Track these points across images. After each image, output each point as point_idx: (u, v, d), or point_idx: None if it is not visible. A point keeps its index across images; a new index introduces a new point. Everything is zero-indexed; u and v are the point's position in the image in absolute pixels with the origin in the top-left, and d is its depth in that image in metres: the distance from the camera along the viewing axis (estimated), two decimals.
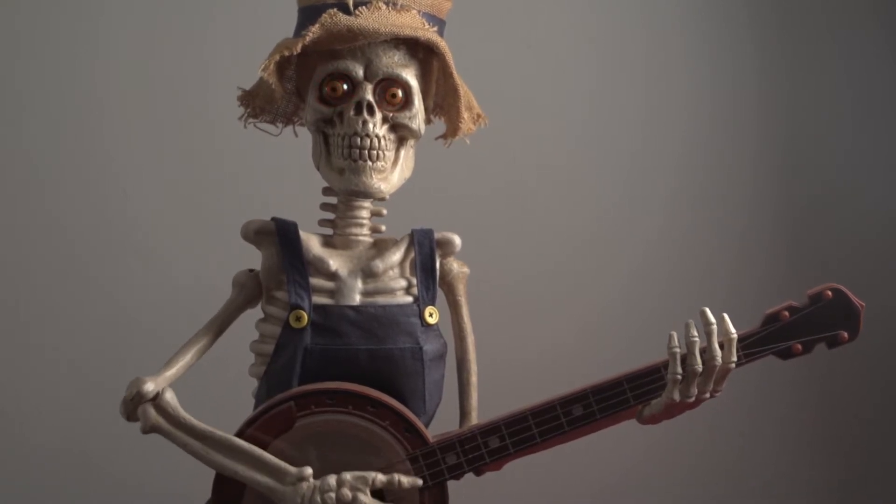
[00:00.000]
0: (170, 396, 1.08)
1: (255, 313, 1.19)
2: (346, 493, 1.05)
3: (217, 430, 1.08)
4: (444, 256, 1.21)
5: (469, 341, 1.21)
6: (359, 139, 1.12)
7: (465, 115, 1.19)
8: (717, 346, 1.07)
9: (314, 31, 1.10)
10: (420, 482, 1.09)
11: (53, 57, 1.94)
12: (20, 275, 1.92)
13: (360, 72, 1.13)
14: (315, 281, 1.14)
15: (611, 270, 2.15)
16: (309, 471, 1.06)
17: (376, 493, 1.08)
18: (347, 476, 1.06)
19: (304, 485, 1.06)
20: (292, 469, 1.06)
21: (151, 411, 1.08)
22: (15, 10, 1.92)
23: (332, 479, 1.06)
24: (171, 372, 1.11)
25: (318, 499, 1.05)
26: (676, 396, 1.07)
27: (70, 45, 1.94)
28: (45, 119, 1.93)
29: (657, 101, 2.19)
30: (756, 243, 2.21)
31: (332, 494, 1.05)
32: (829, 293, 1.12)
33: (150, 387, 1.08)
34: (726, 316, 1.08)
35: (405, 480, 1.08)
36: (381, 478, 1.07)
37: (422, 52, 1.17)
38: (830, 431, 2.22)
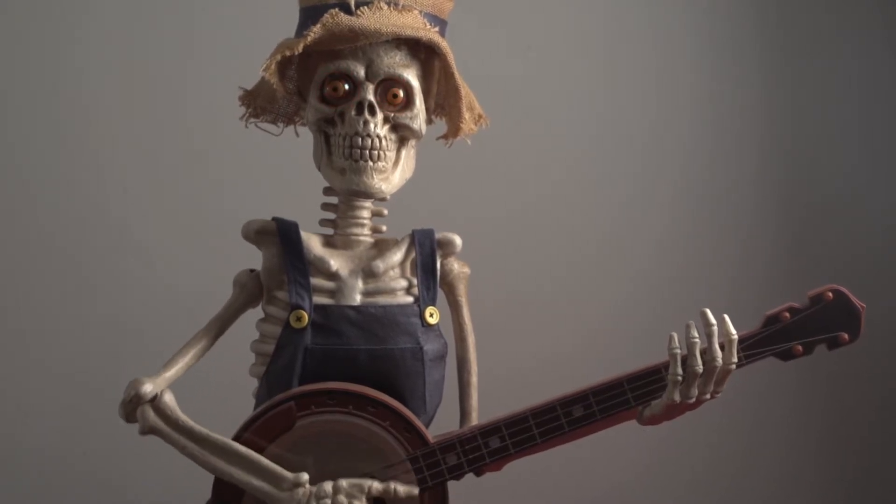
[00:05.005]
0: (168, 398, 1.08)
1: (255, 313, 1.19)
2: (342, 500, 1.05)
3: (215, 433, 1.08)
4: (444, 256, 1.21)
5: (469, 341, 1.21)
6: (360, 139, 1.13)
7: (467, 115, 1.19)
8: (717, 347, 1.07)
9: (316, 31, 1.10)
10: (416, 491, 1.09)
11: (53, 57, 1.94)
12: (19, 275, 1.92)
13: (362, 72, 1.14)
14: (316, 281, 1.14)
15: (612, 272, 2.15)
16: (305, 477, 1.06)
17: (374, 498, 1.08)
18: (343, 483, 1.06)
19: (300, 490, 1.05)
20: (289, 475, 1.06)
21: (150, 413, 1.08)
22: (15, 8, 1.92)
23: (328, 486, 1.06)
24: (171, 373, 1.11)
25: None
26: (677, 397, 1.07)
27: (70, 45, 1.94)
28: (44, 118, 1.93)
29: (660, 104, 2.19)
30: (759, 246, 2.21)
31: (328, 501, 1.05)
32: (830, 294, 1.12)
33: (148, 388, 1.08)
34: (727, 317, 1.08)
35: (401, 489, 1.08)
36: (377, 486, 1.07)
37: (423, 52, 1.17)
38: (835, 433, 2.22)
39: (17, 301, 1.92)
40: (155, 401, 1.08)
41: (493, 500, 1.64)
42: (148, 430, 1.08)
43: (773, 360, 1.12)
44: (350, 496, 1.06)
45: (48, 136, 1.93)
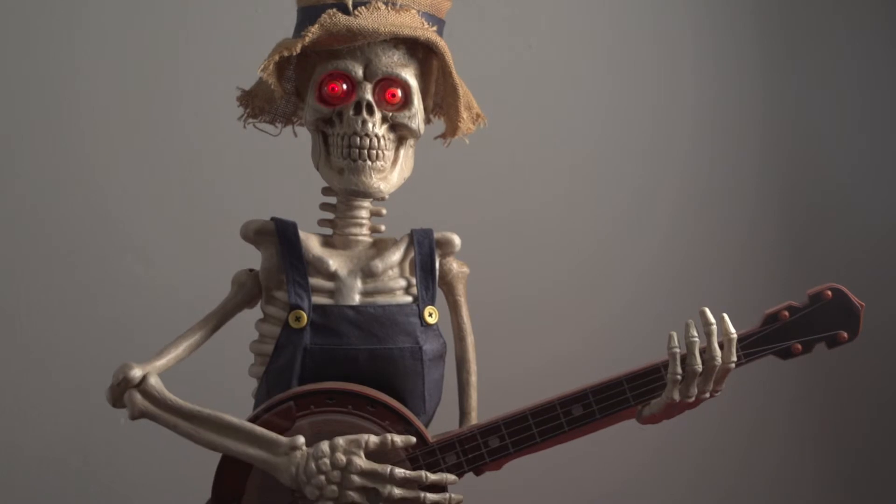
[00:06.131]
0: (154, 380, 1.08)
1: (255, 313, 1.19)
2: (340, 457, 1.05)
3: (205, 408, 1.08)
4: (443, 256, 1.21)
5: (469, 341, 1.21)
6: (358, 139, 1.13)
7: (465, 114, 1.19)
8: (716, 345, 1.07)
9: (313, 32, 1.10)
10: (413, 440, 1.09)
11: (52, 57, 1.94)
12: (18, 276, 1.92)
13: (360, 71, 1.14)
14: (315, 281, 1.14)
15: (612, 271, 2.15)
16: (301, 439, 1.06)
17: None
18: (340, 441, 1.06)
19: (298, 453, 1.06)
20: (284, 439, 1.06)
21: (138, 396, 1.08)
22: (13, 9, 1.92)
23: (324, 445, 1.06)
24: (161, 362, 1.11)
25: (313, 465, 1.05)
26: (676, 396, 1.07)
27: (69, 45, 1.94)
28: (43, 118, 1.93)
29: (661, 104, 2.18)
30: (759, 245, 2.20)
31: (327, 460, 1.05)
32: (829, 293, 1.12)
33: (137, 373, 1.08)
34: (726, 316, 1.08)
35: (398, 440, 1.08)
36: (373, 439, 1.07)
37: (421, 51, 1.17)
38: (835, 432, 2.21)
39: (16, 302, 1.92)
40: (141, 385, 1.08)
41: (493, 500, 1.64)
42: (138, 414, 1.08)
43: (772, 358, 1.12)
44: (348, 452, 1.06)
45: (47, 136, 1.93)
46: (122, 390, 1.08)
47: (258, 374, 1.16)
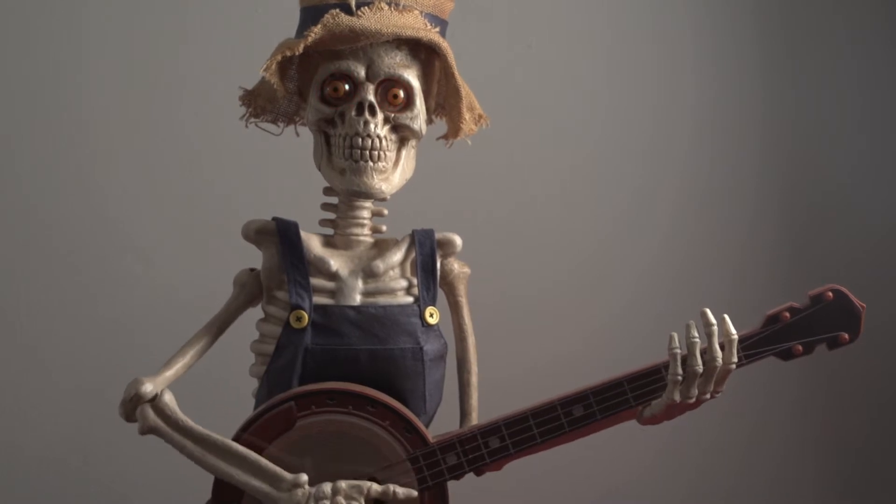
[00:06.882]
0: (168, 398, 1.08)
1: (255, 313, 1.19)
2: (341, 501, 1.05)
3: (214, 433, 1.08)
4: (444, 257, 1.21)
5: (469, 342, 1.21)
6: (360, 139, 1.13)
7: (467, 115, 1.19)
8: (717, 346, 1.07)
9: (316, 32, 1.10)
10: (415, 493, 1.08)
11: (52, 56, 1.94)
12: (18, 277, 1.92)
13: (362, 72, 1.14)
14: (316, 281, 1.14)
15: (613, 272, 2.15)
16: (304, 478, 1.06)
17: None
18: (343, 484, 1.06)
19: (299, 491, 1.05)
20: (288, 475, 1.06)
21: (150, 412, 1.08)
22: (13, 8, 1.92)
23: (327, 487, 1.06)
24: (170, 373, 1.11)
25: None
26: (677, 397, 1.07)
27: (70, 46, 1.94)
28: (43, 118, 1.93)
29: (662, 104, 2.18)
30: (759, 245, 2.20)
31: (327, 502, 1.05)
32: (830, 294, 1.12)
33: (148, 388, 1.07)
34: (727, 317, 1.08)
35: (400, 491, 1.07)
36: (375, 487, 1.07)
37: (424, 52, 1.17)
38: (835, 433, 2.21)
39: (16, 302, 1.91)
40: (155, 400, 1.08)
41: (493, 500, 1.64)
42: (147, 430, 1.08)
43: (773, 359, 1.13)
44: (349, 497, 1.06)
45: (47, 136, 1.93)
46: (134, 405, 1.08)
47: (259, 373, 1.16)
